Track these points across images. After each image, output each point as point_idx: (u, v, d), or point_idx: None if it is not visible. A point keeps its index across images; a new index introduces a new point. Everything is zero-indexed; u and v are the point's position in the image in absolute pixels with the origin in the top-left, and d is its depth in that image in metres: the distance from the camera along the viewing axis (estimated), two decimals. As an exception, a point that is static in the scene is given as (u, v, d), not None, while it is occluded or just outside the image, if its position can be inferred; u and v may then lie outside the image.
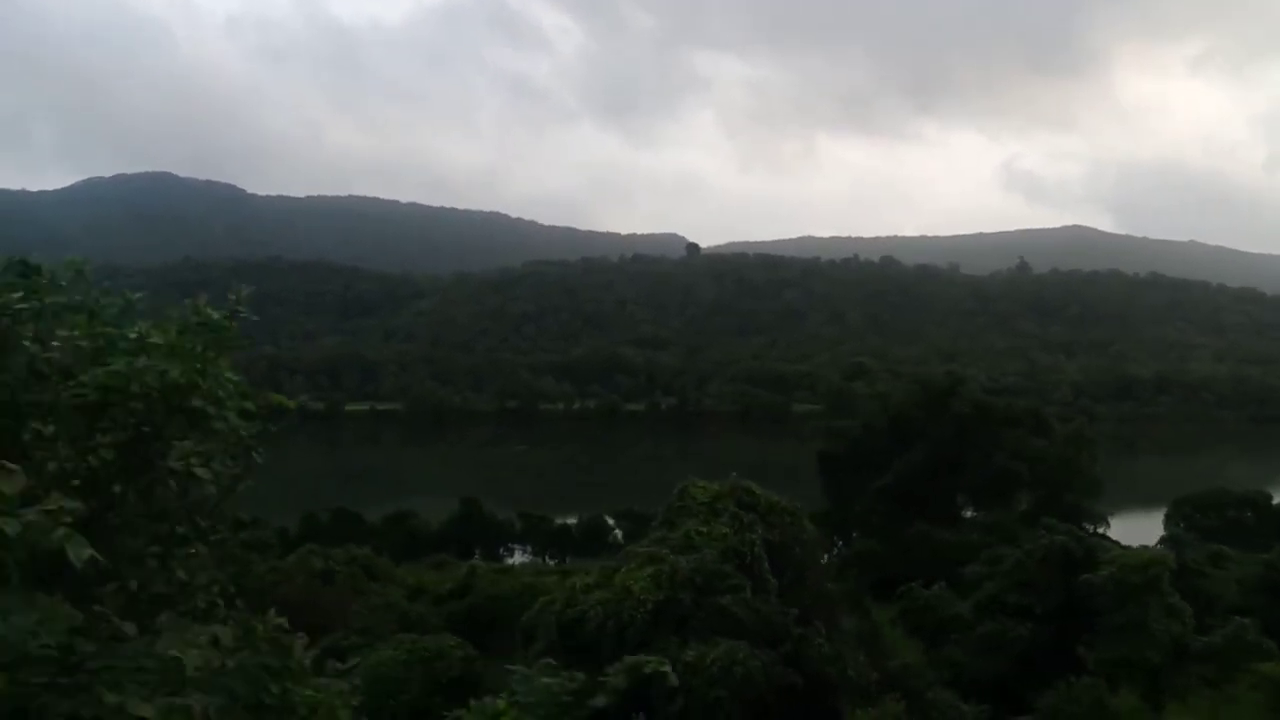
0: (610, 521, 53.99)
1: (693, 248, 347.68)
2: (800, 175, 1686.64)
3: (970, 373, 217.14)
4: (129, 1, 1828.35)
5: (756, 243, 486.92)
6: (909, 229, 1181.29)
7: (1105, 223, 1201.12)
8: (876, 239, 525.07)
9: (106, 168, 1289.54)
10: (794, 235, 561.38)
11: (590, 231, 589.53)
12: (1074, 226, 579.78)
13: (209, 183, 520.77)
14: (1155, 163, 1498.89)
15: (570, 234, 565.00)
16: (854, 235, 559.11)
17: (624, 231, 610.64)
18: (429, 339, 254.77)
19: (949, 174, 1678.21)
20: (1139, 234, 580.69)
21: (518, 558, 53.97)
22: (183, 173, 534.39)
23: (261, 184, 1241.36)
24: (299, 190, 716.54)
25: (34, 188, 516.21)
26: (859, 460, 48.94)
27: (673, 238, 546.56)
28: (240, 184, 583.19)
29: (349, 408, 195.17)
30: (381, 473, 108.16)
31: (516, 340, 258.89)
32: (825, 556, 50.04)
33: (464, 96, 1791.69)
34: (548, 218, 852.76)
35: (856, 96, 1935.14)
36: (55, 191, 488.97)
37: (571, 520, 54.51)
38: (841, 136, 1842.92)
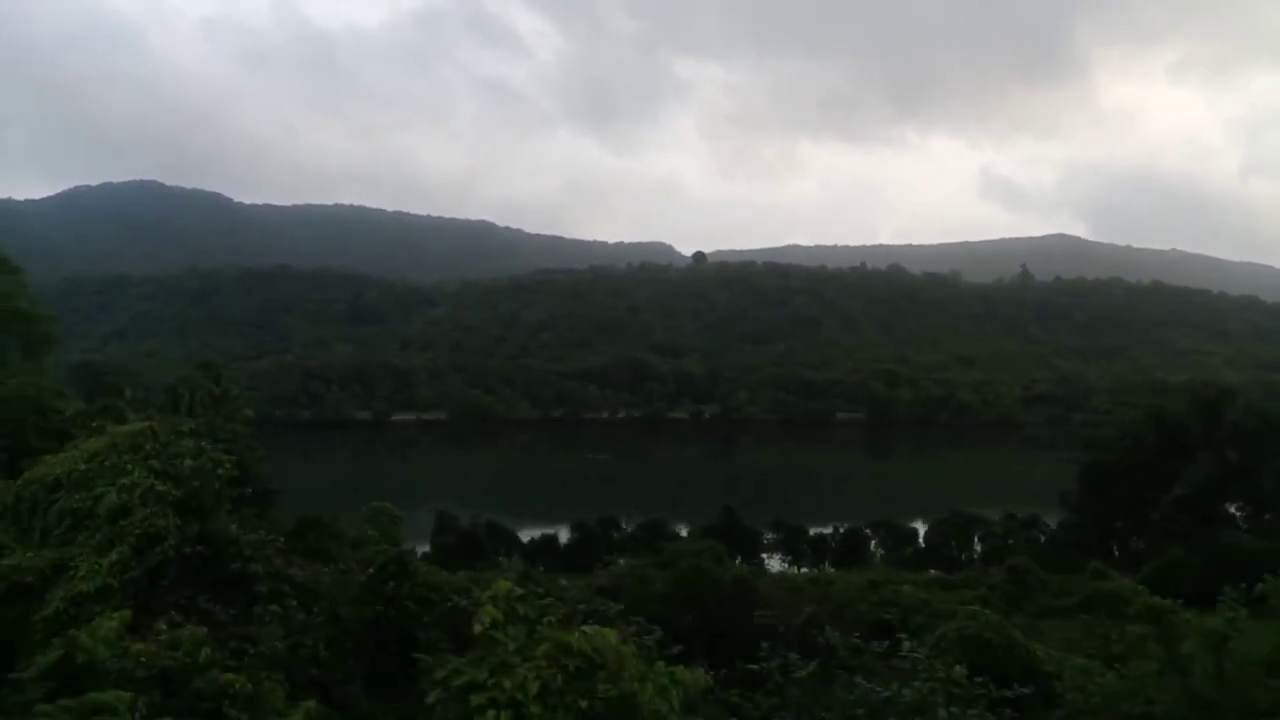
0: (867, 532, 54.94)
1: (699, 255, 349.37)
2: (782, 181, 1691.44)
3: (1004, 379, 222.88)
4: (101, 5, 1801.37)
5: (744, 250, 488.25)
6: (894, 236, 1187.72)
7: (1079, 229, 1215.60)
8: (863, 247, 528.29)
9: (90, 175, 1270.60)
10: (780, 244, 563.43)
11: (578, 240, 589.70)
12: (1058, 235, 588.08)
13: (196, 191, 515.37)
14: (1131, 169, 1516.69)
15: (557, 242, 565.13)
16: (841, 244, 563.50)
17: (611, 240, 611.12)
18: (448, 346, 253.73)
19: (931, 180, 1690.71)
20: (1114, 241, 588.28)
21: (774, 565, 54.69)
22: (169, 180, 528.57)
23: (247, 191, 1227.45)
24: (284, 197, 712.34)
25: (20, 196, 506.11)
26: (1128, 471, 50.24)
27: (661, 246, 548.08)
28: (226, 191, 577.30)
29: (395, 417, 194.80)
30: (491, 482, 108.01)
31: (534, 348, 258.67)
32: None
33: (442, 101, 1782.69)
34: (531, 225, 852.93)
35: (838, 101, 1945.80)
36: (43, 200, 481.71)
37: (825, 530, 55.34)
38: (823, 142, 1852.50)
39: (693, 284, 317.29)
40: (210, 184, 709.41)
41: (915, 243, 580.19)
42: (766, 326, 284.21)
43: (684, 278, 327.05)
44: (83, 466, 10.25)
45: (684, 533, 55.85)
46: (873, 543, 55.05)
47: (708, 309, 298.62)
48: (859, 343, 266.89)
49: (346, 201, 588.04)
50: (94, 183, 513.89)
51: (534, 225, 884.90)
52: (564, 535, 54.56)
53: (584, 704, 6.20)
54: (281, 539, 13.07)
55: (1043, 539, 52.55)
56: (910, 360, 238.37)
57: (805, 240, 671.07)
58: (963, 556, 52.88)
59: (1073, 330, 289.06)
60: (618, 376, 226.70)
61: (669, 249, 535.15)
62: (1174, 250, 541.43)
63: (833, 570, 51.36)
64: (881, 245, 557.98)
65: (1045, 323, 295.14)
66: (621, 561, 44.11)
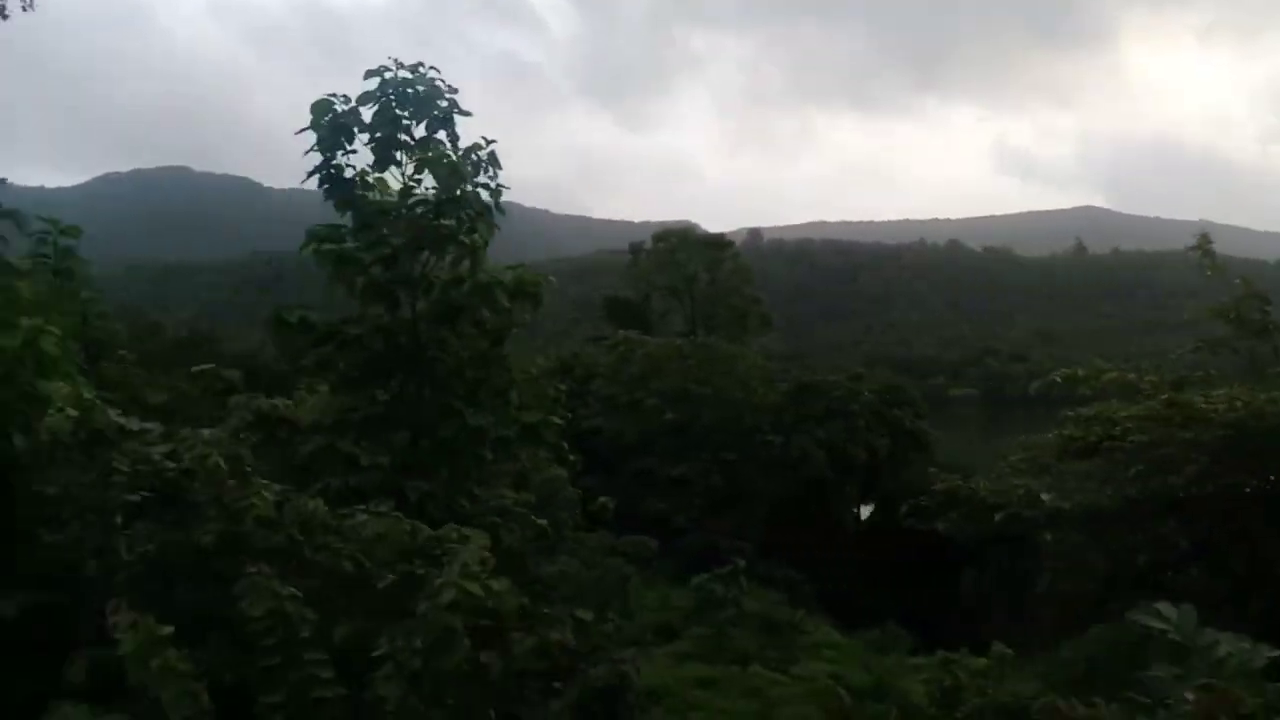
0: None
1: (755, 232, 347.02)
2: (797, 156, 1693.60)
3: (1103, 356, 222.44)
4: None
5: (769, 228, 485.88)
6: (915, 210, 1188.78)
7: (1101, 200, 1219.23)
8: (888, 222, 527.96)
9: (119, 162, 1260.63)
10: (804, 220, 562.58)
11: (605, 220, 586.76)
12: (1085, 207, 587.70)
13: (226, 176, 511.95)
14: (1153, 138, 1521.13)
15: (584, 222, 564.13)
16: (868, 220, 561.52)
17: (636, 219, 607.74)
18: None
19: (950, 153, 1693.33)
20: (1141, 212, 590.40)
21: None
22: (197, 166, 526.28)
23: (272, 174, 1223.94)
24: (307, 180, 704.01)
25: (51, 184, 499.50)
26: None
27: (687, 224, 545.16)
28: (253, 176, 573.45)
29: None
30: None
31: (606, 328, 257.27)
32: None
33: (454, 78, 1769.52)
34: (550, 204, 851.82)
35: (855, 72, 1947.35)
36: (74, 188, 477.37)
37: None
38: (840, 114, 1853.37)
39: (754, 262, 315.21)
40: (237, 169, 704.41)
41: (940, 216, 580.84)
42: (834, 304, 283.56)
43: (743, 256, 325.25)
44: None
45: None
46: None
47: (772, 286, 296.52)
48: (934, 320, 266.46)
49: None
50: (124, 169, 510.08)
51: (553, 204, 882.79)
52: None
53: None
54: None
55: None
56: (1001, 338, 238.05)
57: (824, 216, 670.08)
58: None
59: (1140, 305, 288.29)
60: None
61: (695, 228, 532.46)
62: (1202, 220, 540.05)
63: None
64: (907, 220, 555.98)
65: (1112, 297, 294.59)
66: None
